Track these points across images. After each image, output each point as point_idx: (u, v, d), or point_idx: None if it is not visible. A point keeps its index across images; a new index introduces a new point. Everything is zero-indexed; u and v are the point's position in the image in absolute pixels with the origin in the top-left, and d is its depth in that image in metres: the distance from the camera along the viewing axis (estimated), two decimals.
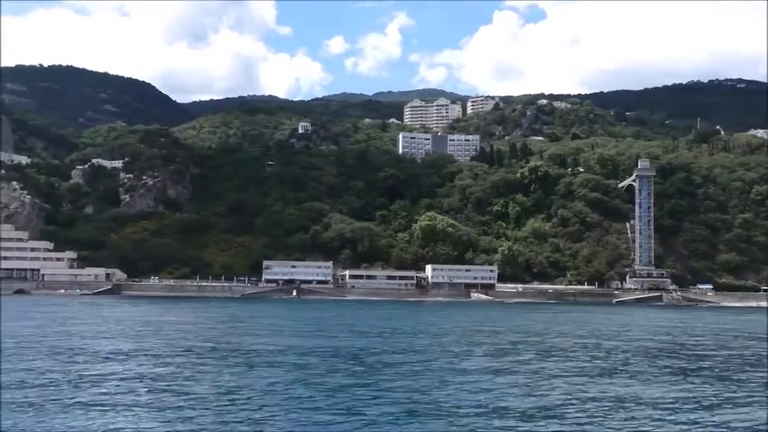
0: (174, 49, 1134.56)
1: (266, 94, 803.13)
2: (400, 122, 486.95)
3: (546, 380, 54.58)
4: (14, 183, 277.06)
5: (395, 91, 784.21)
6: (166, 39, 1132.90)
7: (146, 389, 47.83)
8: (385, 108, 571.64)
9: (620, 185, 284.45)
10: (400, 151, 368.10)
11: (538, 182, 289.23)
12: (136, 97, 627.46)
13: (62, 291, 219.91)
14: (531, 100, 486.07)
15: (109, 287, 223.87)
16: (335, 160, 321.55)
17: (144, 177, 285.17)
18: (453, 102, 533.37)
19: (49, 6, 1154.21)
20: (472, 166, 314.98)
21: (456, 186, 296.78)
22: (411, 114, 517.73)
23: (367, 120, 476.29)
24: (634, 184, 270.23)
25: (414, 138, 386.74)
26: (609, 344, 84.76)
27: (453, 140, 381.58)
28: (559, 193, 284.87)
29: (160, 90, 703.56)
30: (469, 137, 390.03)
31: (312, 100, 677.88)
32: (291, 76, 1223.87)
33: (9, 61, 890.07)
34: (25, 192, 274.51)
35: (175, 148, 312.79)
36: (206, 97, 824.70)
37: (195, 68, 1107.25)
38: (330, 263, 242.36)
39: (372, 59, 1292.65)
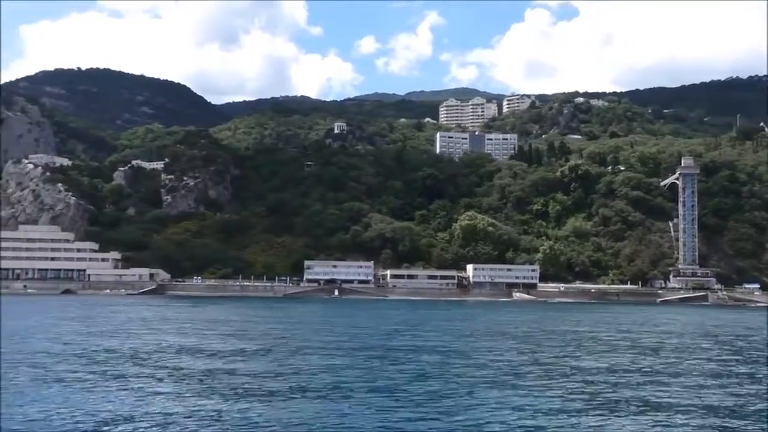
0: (205, 51, 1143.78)
1: (298, 94, 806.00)
2: (435, 122, 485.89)
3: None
4: (59, 185, 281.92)
5: (427, 90, 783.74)
6: (197, 40, 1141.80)
7: (302, 385, 48.34)
8: (418, 107, 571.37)
9: (662, 183, 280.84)
10: (438, 151, 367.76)
11: (578, 181, 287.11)
12: (172, 99, 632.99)
13: (108, 291, 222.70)
14: (567, 98, 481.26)
15: (153, 287, 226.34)
16: (373, 160, 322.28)
17: (185, 178, 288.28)
18: (488, 101, 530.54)
19: (84, 9, 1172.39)
20: (511, 165, 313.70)
21: (495, 185, 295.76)
22: (446, 113, 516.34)
23: (403, 120, 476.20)
24: (677, 182, 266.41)
25: (451, 137, 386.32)
26: (710, 344, 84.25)
27: (491, 139, 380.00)
28: (600, 192, 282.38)
29: (194, 91, 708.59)
30: (507, 136, 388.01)
31: (345, 100, 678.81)
32: (322, 77, 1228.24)
33: (49, 65, 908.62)
34: (70, 194, 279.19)
35: (216, 149, 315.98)
36: (239, 98, 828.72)
37: (227, 69, 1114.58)
38: (371, 263, 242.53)
39: (403, 59, 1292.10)
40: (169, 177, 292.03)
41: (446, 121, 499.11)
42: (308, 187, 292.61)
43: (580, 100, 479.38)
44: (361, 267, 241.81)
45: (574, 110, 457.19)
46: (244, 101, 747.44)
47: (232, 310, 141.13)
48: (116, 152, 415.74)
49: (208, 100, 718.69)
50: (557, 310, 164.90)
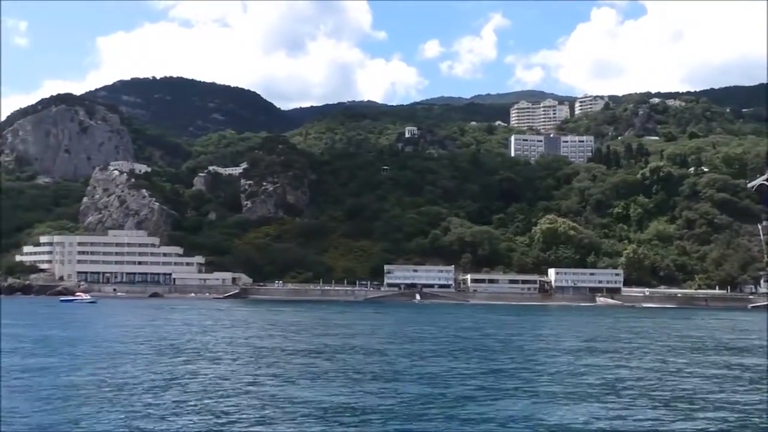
0: (273, 58, 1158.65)
1: (364, 99, 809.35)
2: (506, 124, 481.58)
3: None
4: (143, 190, 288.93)
5: (492, 93, 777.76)
6: (264, 48, 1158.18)
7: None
8: (486, 110, 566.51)
9: (750, 185, 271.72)
10: (512, 154, 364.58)
11: (659, 183, 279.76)
12: (242, 105, 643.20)
13: (192, 295, 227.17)
14: (642, 98, 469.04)
15: (237, 291, 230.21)
16: (448, 164, 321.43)
17: (264, 183, 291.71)
18: (560, 103, 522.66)
19: (156, 20, 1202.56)
20: (590, 168, 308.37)
21: (574, 188, 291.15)
22: (518, 116, 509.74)
23: (473, 123, 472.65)
24: (766, 183, 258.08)
25: (526, 140, 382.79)
26: None
27: (566, 141, 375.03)
28: (683, 194, 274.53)
29: (264, 98, 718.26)
30: (583, 138, 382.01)
31: (413, 104, 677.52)
32: (387, 81, 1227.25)
33: (125, 75, 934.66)
34: (153, 199, 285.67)
35: (293, 154, 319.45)
36: (306, 104, 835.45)
37: (293, 75, 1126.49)
38: (451, 267, 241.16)
39: (467, 62, 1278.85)
40: (248, 182, 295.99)
41: (517, 123, 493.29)
42: (385, 192, 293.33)
43: (656, 100, 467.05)
44: (441, 271, 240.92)
45: (649, 111, 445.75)
46: (312, 107, 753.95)
47: (343, 314, 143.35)
48: (191, 158, 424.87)
49: (277, 106, 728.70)
50: (665, 316, 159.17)
